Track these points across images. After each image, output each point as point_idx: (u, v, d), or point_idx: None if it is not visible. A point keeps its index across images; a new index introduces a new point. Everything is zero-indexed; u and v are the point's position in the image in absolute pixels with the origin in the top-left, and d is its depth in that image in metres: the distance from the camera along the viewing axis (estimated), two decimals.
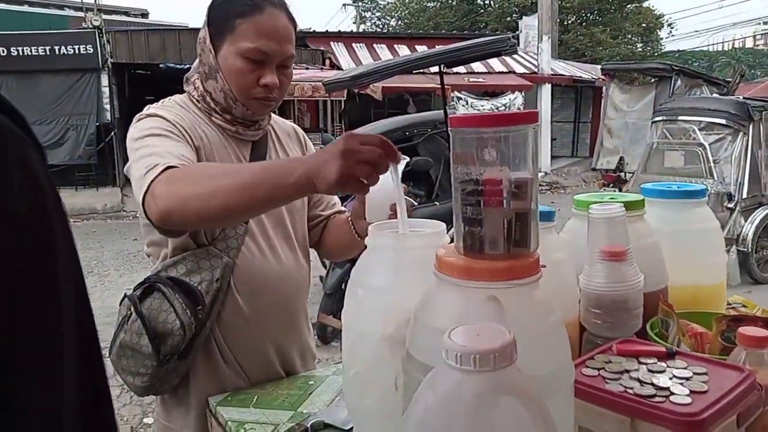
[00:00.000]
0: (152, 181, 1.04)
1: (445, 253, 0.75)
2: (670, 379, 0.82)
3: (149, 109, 1.27)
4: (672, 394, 0.78)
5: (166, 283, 1.20)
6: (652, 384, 0.81)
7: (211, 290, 1.20)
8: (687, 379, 0.82)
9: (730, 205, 5.39)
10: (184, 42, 12.03)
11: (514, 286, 0.70)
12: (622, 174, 7.11)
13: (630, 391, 0.80)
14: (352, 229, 1.33)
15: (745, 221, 5.42)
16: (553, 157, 14.67)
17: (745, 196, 5.43)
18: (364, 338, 0.95)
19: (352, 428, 1.01)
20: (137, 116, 1.26)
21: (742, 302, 1.10)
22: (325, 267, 4.27)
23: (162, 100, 1.31)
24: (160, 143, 1.14)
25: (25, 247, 0.38)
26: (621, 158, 7.34)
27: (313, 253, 1.47)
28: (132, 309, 1.20)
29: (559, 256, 1.04)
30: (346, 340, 0.98)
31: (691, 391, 0.79)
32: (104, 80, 11.62)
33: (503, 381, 0.56)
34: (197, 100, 1.29)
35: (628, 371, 0.85)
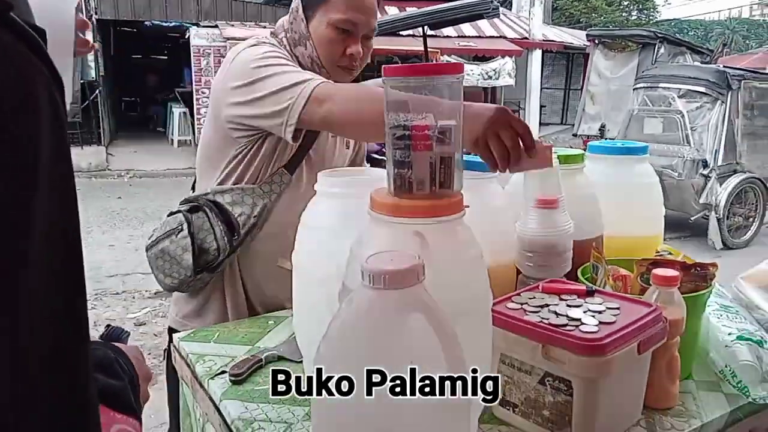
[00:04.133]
0: (316, 87, 1.16)
1: (378, 194, 0.82)
2: (585, 312, 0.91)
3: (254, 41, 1.35)
4: (582, 324, 0.87)
5: (211, 208, 1.35)
6: (567, 316, 0.90)
7: (248, 224, 1.36)
8: (600, 312, 0.91)
9: (705, 172, 5.50)
10: None
11: (437, 223, 0.77)
12: (604, 140, 7.16)
13: (545, 321, 0.88)
14: None
15: (720, 188, 5.54)
16: (542, 124, 14.69)
17: (720, 163, 5.53)
18: (311, 277, 1.02)
19: (302, 360, 1.10)
20: (246, 44, 1.34)
21: (669, 250, 1.19)
22: None
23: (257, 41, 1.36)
24: (291, 69, 1.25)
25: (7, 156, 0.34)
26: (602, 125, 7.43)
27: None
28: (185, 227, 1.34)
29: (497, 205, 1.11)
30: (295, 278, 1.06)
31: (600, 322, 0.87)
32: (89, 37, 11.39)
33: (411, 299, 0.63)
34: (288, 57, 1.34)
35: (548, 305, 0.94)
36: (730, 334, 1.06)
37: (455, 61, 0.92)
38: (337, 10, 1.30)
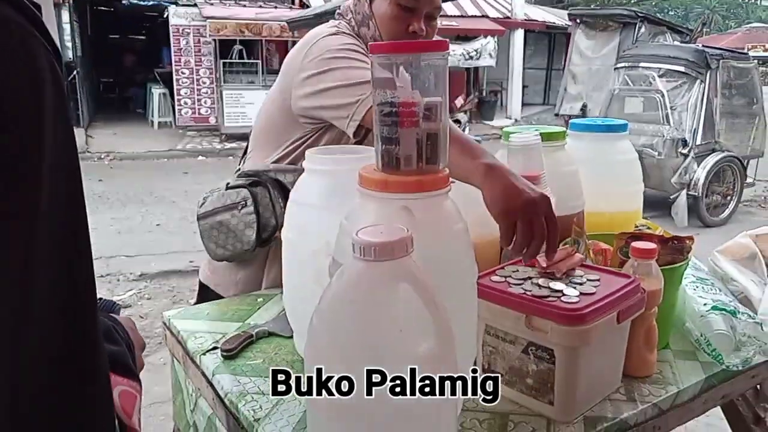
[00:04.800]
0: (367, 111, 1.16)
1: (366, 170, 0.84)
2: (566, 284, 0.94)
3: (335, 29, 1.34)
4: (564, 295, 0.90)
5: (274, 185, 1.36)
6: (549, 288, 0.93)
7: None
8: (580, 284, 0.94)
9: (684, 151, 5.57)
10: None
11: (423, 198, 0.79)
12: (581, 119, 7.19)
13: (528, 293, 0.91)
14: None
15: (698, 166, 5.63)
16: (524, 104, 14.74)
17: (699, 142, 5.61)
18: (301, 253, 1.04)
19: (292, 336, 1.12)
20: (326, 30, 1.33)
21: (647, 224, 1.22)
22: None
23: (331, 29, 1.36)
24: (366, 65, 1.21)
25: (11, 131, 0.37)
26: (584, 104, 7.48)
27: None
28: (250, 203, 1.35)
29: None
30: (285, 254, 1.08)
31: (581, 293, 0.91)
32: (65, 16, 11.20)
33: (399, 270, 0.66)
34: (355, 37, 1.35)
35: (530, 278, 0.97)
36: (705, 304, 1.10)
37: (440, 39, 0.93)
38: None
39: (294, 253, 1.07)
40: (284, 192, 1.35)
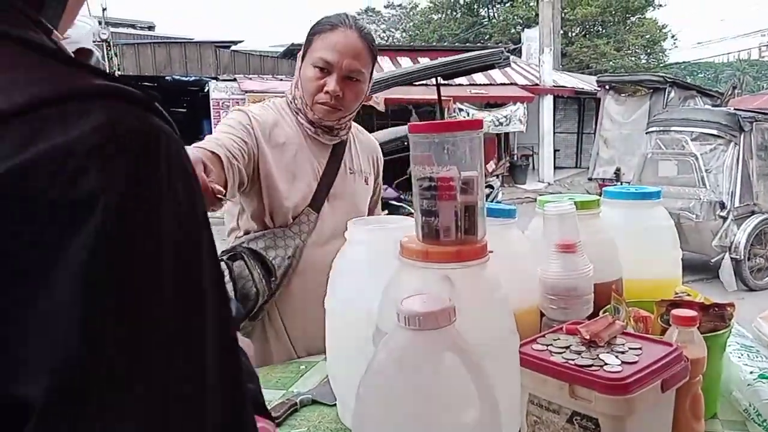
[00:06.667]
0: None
1: (407, 241, 0.88)
2: (608, 353, 0.94)
3: (248, 106, 1.54)
4: (606, 364, 0.90)
5: (248, 254, 1.42)
6: (591, 356, 0.93)
7: (283, 265, 1.43)
8: (622, 353, 0.94)
9: (722, 214, 5.49)
10: (189, 55, 12.26)
11: (463, 267, 0.82)
12: (619, 184, 7.25)
13: (571, 362, 0.92)
14: None
15: (738, 229, 5.52)
16: (556, 168, 14.79)
17: (737, 204, 5.53)
18: (343, 321, 1.07)
19: (335, 404, 1.13)
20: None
21: (686, 291, 1.22)
22: None
23: (269, 101, 1.57)
24: (222, 130, 1.41)
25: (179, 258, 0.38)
26: (617, 168, 7.48)
27: None
28: (228, 274, 1.40)
29: (518, 249, 1.15)
30: (328, 323, 1.11)
31: (623, 362, 0.91)
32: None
33: (444, 339, 0.68)
34: (290, 102, 1.52)
35: (571, 346, 0.97)
36: (751, 372, 1.08)
37: (475, 118, 0.98)
38: (316, 50, 1.43)
39: (336, 321, 1.09)
40: (259, 258, 1.42)
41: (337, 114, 1.47)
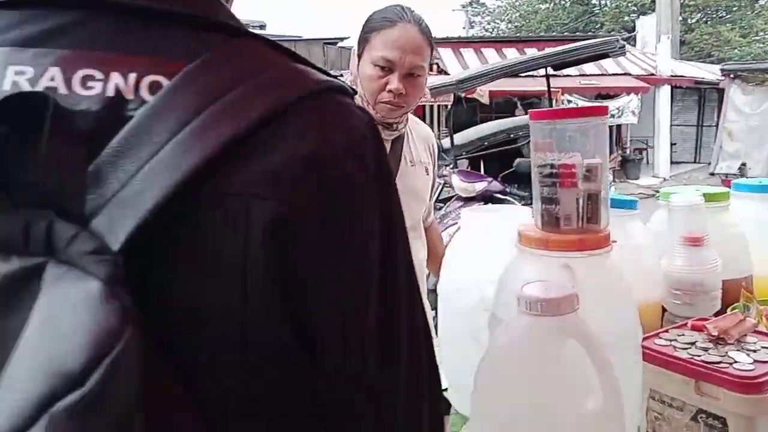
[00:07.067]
0: None
1: (526, 229, 0.88)
2: (737, 351, 0.89)
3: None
4: (736, 362, 0.86)
5: None
6: (719, 353, 0.89)
7: None
8: (754, 351, 0.89)
9: None
10: (300, 52, 12.62)
11: (585, 257, 0.81)
12: (744, 179, 6.66)
13: (696, 358, 0.88)
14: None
15: None
16: (672, 163, 13.95)
17: None
18: (455, 308, 1.09)
19: (446, 389, 1.15)
20: None
21: None
22: None
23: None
24: None
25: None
26: (743, 163, 6.92)
27: None
28: None
29: (640, 242, 1.11)
30: (440, 308, 1.13)
31: (755, 361, 0.86)
32: None
33: (566, 325, 0.68)
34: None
35: (696, 342, 0.93)
36: None
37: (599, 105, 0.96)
38: (376, 49, 1.40)
39: (448, 307, 1.11)
40: None
41: (400, 111, 1.47)
